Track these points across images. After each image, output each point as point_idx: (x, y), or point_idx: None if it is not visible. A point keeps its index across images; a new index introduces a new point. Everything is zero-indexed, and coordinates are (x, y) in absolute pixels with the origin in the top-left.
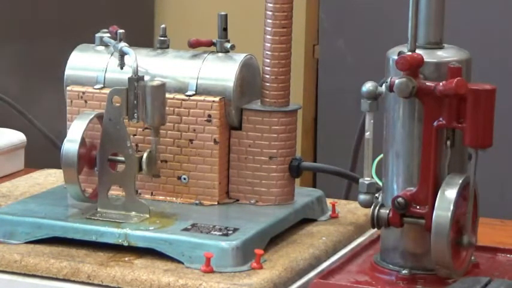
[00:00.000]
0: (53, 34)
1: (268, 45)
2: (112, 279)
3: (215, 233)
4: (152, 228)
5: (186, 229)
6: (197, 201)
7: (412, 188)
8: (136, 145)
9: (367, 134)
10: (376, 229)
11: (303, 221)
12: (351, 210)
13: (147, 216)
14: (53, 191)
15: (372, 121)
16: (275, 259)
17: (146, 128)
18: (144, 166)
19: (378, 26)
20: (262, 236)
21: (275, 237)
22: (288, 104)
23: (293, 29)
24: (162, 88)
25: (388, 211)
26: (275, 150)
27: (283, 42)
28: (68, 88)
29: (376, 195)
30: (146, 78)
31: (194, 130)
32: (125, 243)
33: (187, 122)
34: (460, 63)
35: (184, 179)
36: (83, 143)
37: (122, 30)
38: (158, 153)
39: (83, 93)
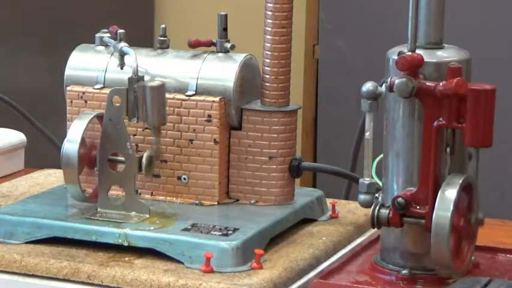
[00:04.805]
0: (53, 34)
1: (268, 45)
2: (112, 279)
3: (215, 233)
4: (152, 228)
5: (186, 229)
6: (197, 201)
7: (412, 188)
8: (136, 145)
9: (367, 134)
10: (376, 229)
11: (303, 221)
12: (351, 210)
13: (147, 216)
14: (53, 191)
15: (372, 121)
16: (275, 259)
17: (146, 128)
18: (144, 166)
19: (378, 26)
20: (262, 236)
21: (275, 237)
22: (288, 104)
23: (293, 29)
24: (162, 88)
25: (388, 211)
26: (275, 150)
27: (283, 42)
28: (68, 88)
29: (376, 195)
30: (146, 78)
31: (194, 130)
32: (125, 243)
33: (187, 122)
34: (460, 63)
35: (184, 179)
36: (83, 143)
37: (122, 30)
38: (158, 153)
39: (83, 93)
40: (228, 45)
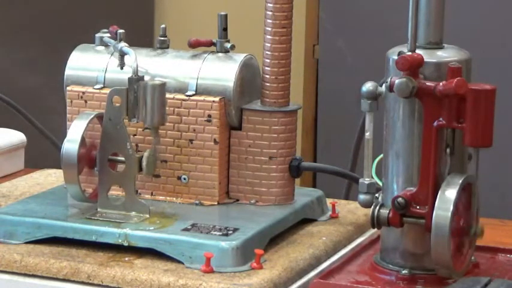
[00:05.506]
0: (53, 34)
1: (268, 45)
2: (112, 279)
3: (215, 233)
4: (152, 228)
5: (186, 229)
6: (197, 201)
7: (412, 188)
8: (136, 145)
9: (367, 134)
10: (376, 229)
11: (303, 221)
12: (351, 210)
13: (147, 216)
14: (53, 191)
15: (372, 121)
16: (275, 259)
17: (146, 128)
18: (144, 166)
19: (378, 26)
20: (262, 236)
21: (275, 237)
22: (288, 104)
23: (293, 29)
24: (162, 88)
25: (388, 211)
26: (275, 150)
27: (283, 42)
28: (68, 88)
29: (376, 195)
30: (146, 78)
31: (194, 130)
32: (125, 243)
33: (187, 122)
34: (460, 63)
35: (184, 179)
36: (83, 143)
37: (122, 30)
38: (158, 153)
39: (83, 93)
40: (228, 45)
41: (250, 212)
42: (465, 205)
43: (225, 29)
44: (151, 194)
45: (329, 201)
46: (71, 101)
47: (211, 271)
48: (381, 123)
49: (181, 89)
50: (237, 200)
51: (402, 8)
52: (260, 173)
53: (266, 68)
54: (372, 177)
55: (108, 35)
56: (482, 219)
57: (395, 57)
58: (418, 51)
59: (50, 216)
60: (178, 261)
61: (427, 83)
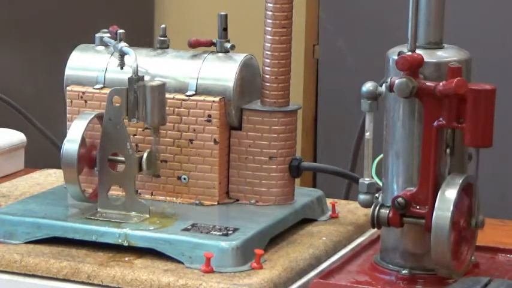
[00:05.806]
0: (53, 34)
1: (268, 45)
2: (112, 279)
3: (215, 233)
4: (152, 228)
5: (186, 229)
6: (197, 201)
7: (412, 188)
8: (136, 145)
9: (367, 134)
10: (376, 229)
11: (303, 221)
12: (351, 210)
13: (147, 216)
14: (53, 191)
15: (372, 121)
16: (275, 259)
17: (146, 128)
18: (144, 166)
19: (378, 26)
20: (262, 236)
21: (275, 237)
22: (288, 104)
23: (293, 29)
24: (162, 88)
25: (388, 211)
26: (275, 150)
27: (283, 42)
28: (68, 88)
29: (376, 195)
30: (146, 78)
31: (194, 130)
32: (125, 243)
33: (187, 122)
34: (460, 63)
35: (184, 179)
36: (83, 143)
37: (122, 30)
38: (158, 153)
39: (83, 93)
40: (228, 45)
41: (250, 212)
42: (465, 205)
43: (225, 29)
44: (151, 194)
45: (329, 201)
46: (71, 101)
47: (211, 271)
48: (381, 123)
49: (181, 89)
50: (237, 200)
51: (402, 8)
52: (260, 173)
53: (266, 68)
54: (372, 177)
55: (108, 35)
56: None
57: (395, 57)
58: (418, 51)
59: (50, 216)
60: (178, 261)
61: (427, 83)
